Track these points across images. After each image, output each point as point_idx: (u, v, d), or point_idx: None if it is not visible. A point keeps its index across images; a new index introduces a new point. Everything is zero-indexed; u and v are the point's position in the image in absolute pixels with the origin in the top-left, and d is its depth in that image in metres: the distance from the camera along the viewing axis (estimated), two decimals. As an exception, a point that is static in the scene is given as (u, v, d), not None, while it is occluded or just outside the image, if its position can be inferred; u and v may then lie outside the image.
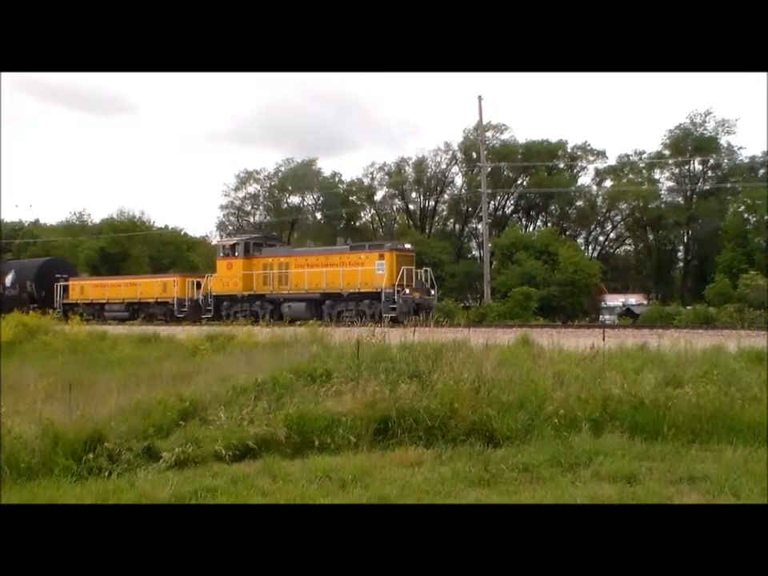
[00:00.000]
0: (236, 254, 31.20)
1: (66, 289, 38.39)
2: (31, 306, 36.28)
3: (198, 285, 32.98)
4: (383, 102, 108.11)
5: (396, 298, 26.06)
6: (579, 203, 61.07)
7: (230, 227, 68.75)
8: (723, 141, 54.47)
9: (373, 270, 27.10)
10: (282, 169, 66.20)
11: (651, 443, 8.62)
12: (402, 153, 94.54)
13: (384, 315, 25.60)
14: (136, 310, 35.16)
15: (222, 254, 32.01)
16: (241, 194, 67.47)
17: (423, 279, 28.31)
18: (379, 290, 26.51)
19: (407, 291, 26.55)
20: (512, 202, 63.52)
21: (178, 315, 32.38)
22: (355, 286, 27.32)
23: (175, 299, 33.24)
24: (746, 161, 53.83)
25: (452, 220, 64.95)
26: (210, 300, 31.23)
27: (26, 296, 38.73)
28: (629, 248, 65.12)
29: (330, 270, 28.27)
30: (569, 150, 61.58)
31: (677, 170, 56.65)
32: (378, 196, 65.79)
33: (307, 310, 27.70)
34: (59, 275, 39.30)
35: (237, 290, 30.60)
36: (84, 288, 37.98)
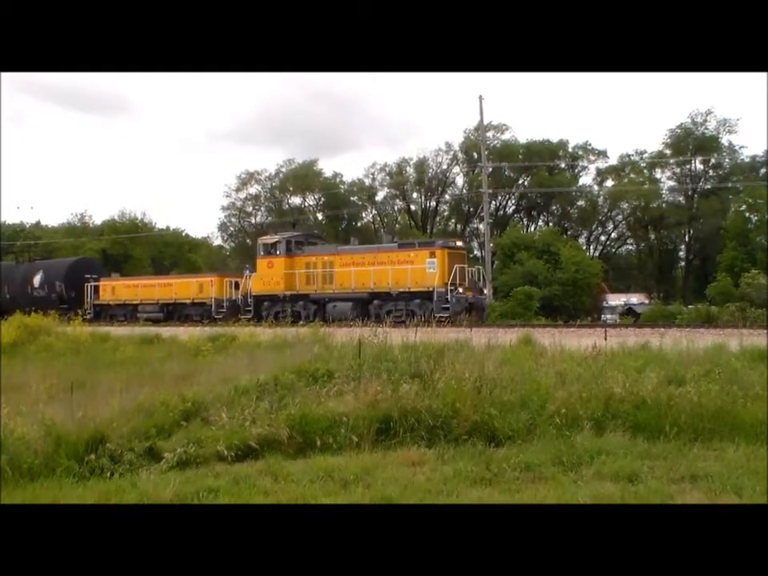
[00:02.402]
0: (277, 252, 30.09)
1: (96, 289, 37.23)
2: (60, 307, 35.56)
3: (236, 285, 31.97)
4: (384, 101, 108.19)
5: (449, 297, 25.05)
6: (580, 203, 61.10)
7: (232, 228, 68.88)
8: (724, 140, 54.65)
9: (423, 268, 26.15)
10: (283, 169, 66.32)
11: (653, 442, 8.61)
12: (403, 153, 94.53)
13: (436, 315, 24.54)
14: (171, 311, 34.12)
15: (262, 253, 30.77)
16: (242, 195, 67.51)
17: (475, 277, 27.40)
18: (431, 288, 25.57)
19: (460, 290, 25.64)
20: (513, 201, 63.59)
21: (216, 316, 31.17)
22: (405, 284, 26.42)
23: (213, 299, 32.15)
24: (747, 160, 53.98)
25: (453, 220, 65.00)
26: (249, 300, 30.20)
27: (55, 297, 37.73)
28: (630, 247, 65.17)
29: (377, 269, 27.27)
30: (570, 150, 61.67)
31: (678, 170, 56.73)
32: (380, 196, 65.95)
33: (354, 310, 26.71)
34: (88, 275, 38.12)
35: (278, 290, 29.55)
36: (115, 288, 36.83)
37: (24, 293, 38.74)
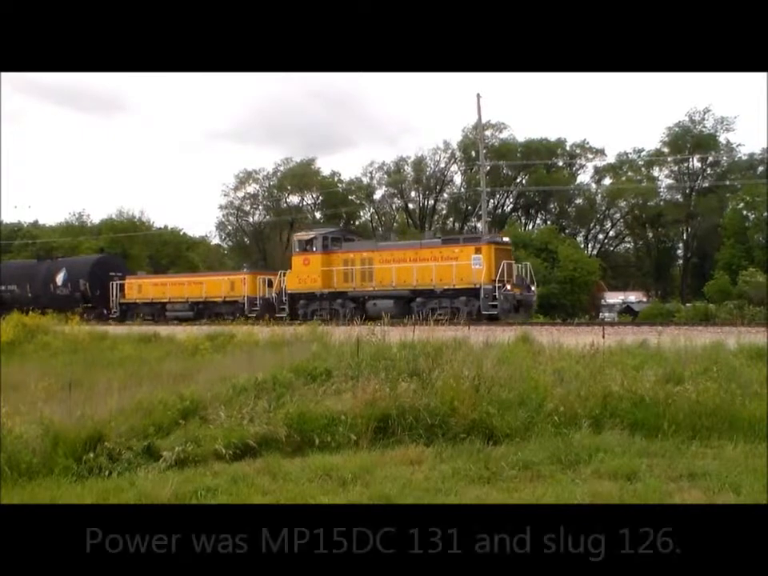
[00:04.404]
0: (313, 248, 29.22)
1: (122, 288, 36.09)
2: (85, 306, 35.20)
3: (270, 282, 31.36)
4: (382, 100, 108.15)
5: (497, 294, 24.15)
6: (578, 201, 61.16)
7: (230, 227, 68.83)
8: (722, 138, 54.64)
9: (469, 264, 25.26)
10: (281, 168, 66.21)
11: (651, 440, 8.62)
12: (401, 151, 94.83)
13: (483, 313, 24.19)
14: (201, 310, 33.16)
15: (297, 249, 29.84)
16: (240, 194, 67.44)
17: (522, 274, 26.45)
18: (477, 285, 24.71)
19: (508, 287, 24.69)
20: (511, 200, 63.63)
21: (249, 315, 30.07)
22: (450, 281, 25.54)
23: (245, 298, 31.47)
24: (745, 158, 53.98)
25: (451, 218, 64.99)
26: (284, 298, 29.36)
27: (79, 295, 36.78)
28: (628, 245, 65.25)
29: (420, 266, 26.44)
30: (568, 148, 61.73)
31: (676, 168, 56.75)
32: (378, 195, 65.92)
33: (395, 308, 25.51)
34: (113, 273, 37.00)
35: (315, 287, 28.69)
36: (142, 286, 35.79)
37: (46, 291, 37.90)
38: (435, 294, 26.02)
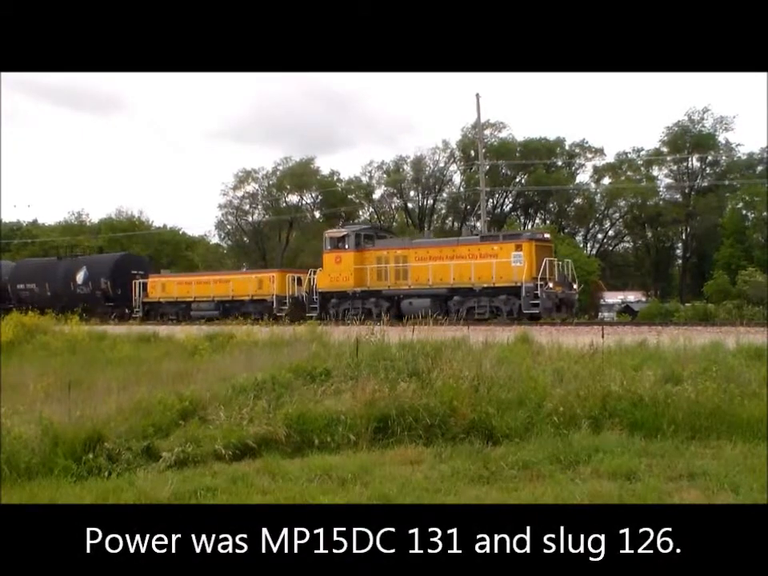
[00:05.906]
0: (346, 246, 28.57)
1: (144, 286, 35.24)
2: (106, 305, 34.88)
3: (299, 281, 30.78)
4: (381, 99, 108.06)
5: (539, 292, 23.66)
6: (577, 201, 61.03)
7: (229, 226, 68.81)
8: (721, 138, 54.53)
9: (509, 261, 24.77)
10: (280, 167, 66.08)
11: (650, 440, 8.63)
12: (400, 151, 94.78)
13: (525, 312, 23.80)
14: (227, 309, 32.32)
15: (329, 247, 29.15)
16: (239, 193, 67.33)
17: (564, 272, 25.79)
18: (518, 284, 24.20)
19: (550, 285, 24.12)
20: (510, 199, 63.54)
21: (278, 314, 29.47)
22: (489, 279, 25.01)
23: (274, 296, 30.71)
24: (744, 157, 53.86)
25: (451, 218, 64.93)
26: (315, 297, 28.80)
27: (100, 294, 36.40)
28: (627, 245, 65.12)
29: (458, 263, 25.86)
30: (567, 148, 61.59)
31: (675, 167, 56.67)
32: (377, 194, 65.86)
33: (432, 307, 24.22)
34: (135, 271, 36.22)
35: (347, 286, 28.08)
36: (166, 285, 34.91)
37: (66, 290, 37.34)
38: (474, 292, 25.48)
